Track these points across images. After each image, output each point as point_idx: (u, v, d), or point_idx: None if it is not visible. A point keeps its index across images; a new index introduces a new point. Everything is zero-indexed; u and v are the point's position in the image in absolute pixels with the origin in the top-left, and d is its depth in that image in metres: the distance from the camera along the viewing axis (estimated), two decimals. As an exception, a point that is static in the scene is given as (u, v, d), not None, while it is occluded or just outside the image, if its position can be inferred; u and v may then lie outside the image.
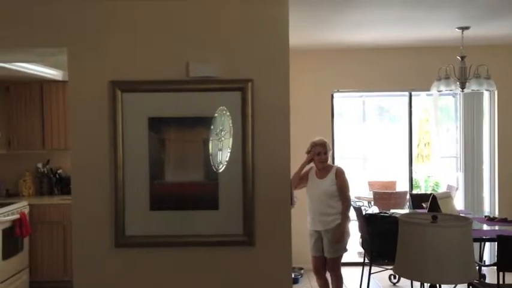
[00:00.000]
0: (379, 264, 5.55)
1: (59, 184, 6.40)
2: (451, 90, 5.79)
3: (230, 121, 3.17)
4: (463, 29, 5.57)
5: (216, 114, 3.18)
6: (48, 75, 5.75)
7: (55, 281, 5.77)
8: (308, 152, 5.06)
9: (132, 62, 3.17)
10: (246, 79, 3.15)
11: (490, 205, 7.14)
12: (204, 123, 3.19)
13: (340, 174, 4.98)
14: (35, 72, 5.47)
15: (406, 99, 7.42)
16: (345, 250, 5.07)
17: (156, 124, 3.18)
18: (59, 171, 6.43)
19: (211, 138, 3.19)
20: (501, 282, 4.30)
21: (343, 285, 5.16)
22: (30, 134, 6.14)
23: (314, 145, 5.03)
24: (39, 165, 6.40)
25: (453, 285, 5.35)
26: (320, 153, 4.99)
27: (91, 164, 3.17)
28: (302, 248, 5.19)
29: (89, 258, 3.19)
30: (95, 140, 3.16)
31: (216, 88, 3.18)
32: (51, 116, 6.13)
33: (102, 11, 3.18)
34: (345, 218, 4.94)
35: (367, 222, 5.47)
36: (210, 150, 3.19)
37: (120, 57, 3.17)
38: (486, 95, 7.12)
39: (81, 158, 3.18)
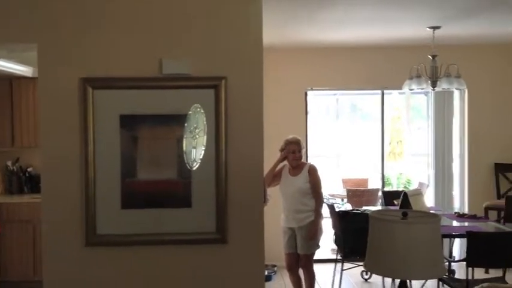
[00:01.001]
0: (351, 261, 5.61)
1: (29, 182, 6.27)
2: (422, 89, 5.88)
3: (204, 119, 3.16)
4: (434, 28, 5.66)
5: (190, 112, 3.16)
6: (18, 72, 5.65)
7: (25, 281, 5.67)
8: (282, 150, 5.08)
9: (103, 58, 3.12)
10: (219, 76, 3.14)
11: (459, 202, 7.28)
12: (177, 120, 3.17)
13: (313, 172, 5.02)
14: (5, 69, 5.36)
15: (379, 97, 7.51)
16: (318, 247, 5.11)
17: (128, 122, 3.15)
18: (28, 170, 6.31)
19: (185, 136, 3.17)
20: (470, 277, 4.39)
21: (316, 281, 5.20)
22: (-1, 132, 6.02)
23: (288, 143, 5.06)
24: (9, 163, 6.27)
25: (423, 281, 5.45)
26: (294, 151, 5.02)
27: (61, 162, 3.11)
28: (275, 245, 5.21)
29: (59, 257, 3.14)
30: (66, 137, 3.11)
31: (189, 85, 3.16)
32: (20, 113, 6.02)
33: (73, 6, 3.12)
34: (318, 215, 4.98)
35: (340, 219, 5.52)
36: (184, 148, 3.17)
37: (91, 53, 3.12)
38: (456, 94, 7.25)
39: (51, 156, 3.12)
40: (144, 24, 3.15)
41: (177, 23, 3.16)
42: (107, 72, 3.11)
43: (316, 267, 5.21)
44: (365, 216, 5.10)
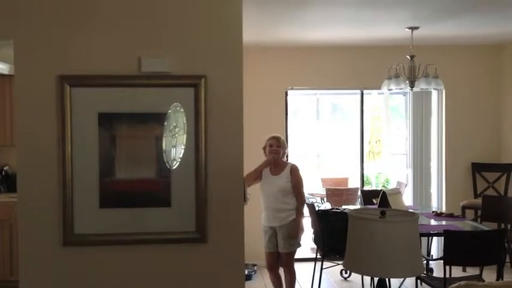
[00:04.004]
0: (331, 260, 5.64)
1: (5, 181, 6.18)
2: (400, 89, 5.94)
3: (184, 118, 3.14)
4: (412, 29, 5.72)
5: (169, 111, 3.14)
6: (-6, 69, 5.55)
7: (1, 280, 5.58)
8: (264, 148, 5.11)
9: (81, 55, 3.08)
10: (199, 75, 3.12)
11: (437, 201, 7.37)
12: (156, 119, 3.14)
13: (294, 171, 5.04)
14: (-20, 66, 5.27)
15: (358, 97, 7.55)
16: (299, 245, 5.13)
17: (107, 120, 3.11)
18: (5, 168, 6.21)
19: (164, 135, 3.14)
20: (448, 275, 4.44)
21: (296, 280, 5.21)
22: (-25, 130, 5.90)
23: (269, 139, 5.12)
24: (-16, 162, 6.17)
25: (402, 279, 5.50)
26: (272, 145, 5.06)
27: (38, 160, 3.07)
28: (255, 245, 5.21)
29: (36, 257, 3.09)
30: (42, 136, 3.06)
31: (168, 84, 3.13)
32: (-4, 111, 5.92)
33: (50, 3, 3.08)
34: (300, 214, 5.02)
35: (320, 218, 5.54)
36: (164, 147, 3.15)
37: (69, 50, 3.07)
38: (434, 94, 7.33)
39: (27, 155, 3.07)
40: (123, 22, 3.12)
41: (156, 20, 3.13)
42: (85, 69, 3.07)
43: (296, 266, 5.21)
44: (344, 215, 5.13)
